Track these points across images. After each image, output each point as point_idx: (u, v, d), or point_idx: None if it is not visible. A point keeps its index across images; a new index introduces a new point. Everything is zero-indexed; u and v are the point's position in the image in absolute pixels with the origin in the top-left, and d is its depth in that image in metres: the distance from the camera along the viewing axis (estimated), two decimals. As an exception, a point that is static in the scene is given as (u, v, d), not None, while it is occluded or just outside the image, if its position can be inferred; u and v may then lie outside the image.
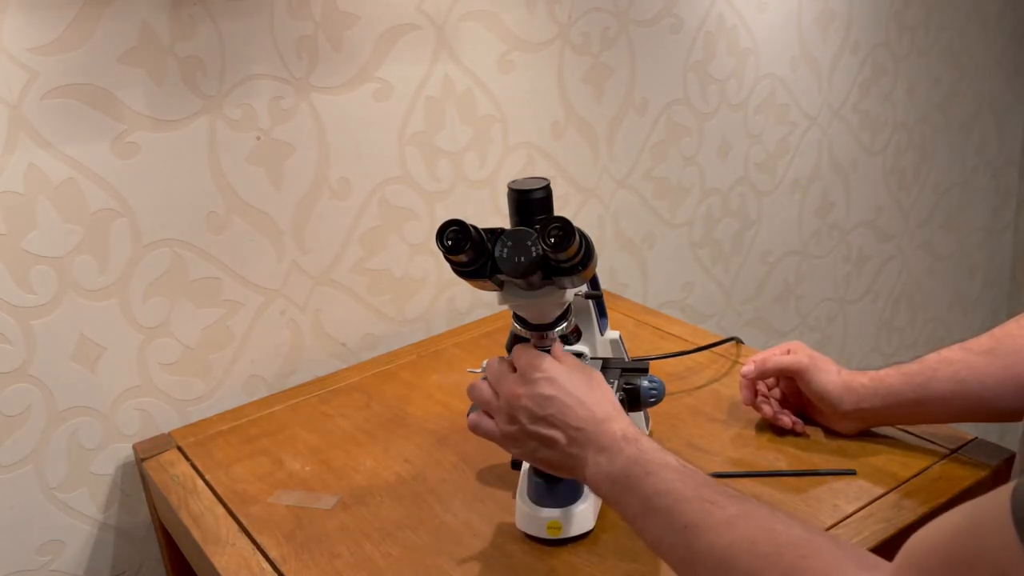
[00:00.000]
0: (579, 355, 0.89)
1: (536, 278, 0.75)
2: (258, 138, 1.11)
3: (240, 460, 1.03)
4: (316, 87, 1.14)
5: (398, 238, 1.26)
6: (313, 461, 1.01)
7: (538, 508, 0.83)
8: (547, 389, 0.74)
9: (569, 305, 0.82)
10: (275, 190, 1.14)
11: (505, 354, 0.86)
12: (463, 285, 1.34)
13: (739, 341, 1.17)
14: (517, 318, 0.82)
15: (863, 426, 0.94)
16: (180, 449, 1.07)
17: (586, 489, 0.84)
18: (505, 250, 0.74)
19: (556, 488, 0.83)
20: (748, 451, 0.95)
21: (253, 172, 1.12)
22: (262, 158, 1.12)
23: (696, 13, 1.48)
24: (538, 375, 0.75)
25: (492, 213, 1.34)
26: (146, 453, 1.06)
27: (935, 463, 0.90)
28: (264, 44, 1.08)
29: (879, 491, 0.87)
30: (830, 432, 0.95)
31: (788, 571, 0.55)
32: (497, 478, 0.95)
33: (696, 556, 0.60)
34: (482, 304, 1.37)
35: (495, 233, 0.75)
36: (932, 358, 0.89)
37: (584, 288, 0.84)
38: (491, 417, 0.79)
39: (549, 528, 0.82)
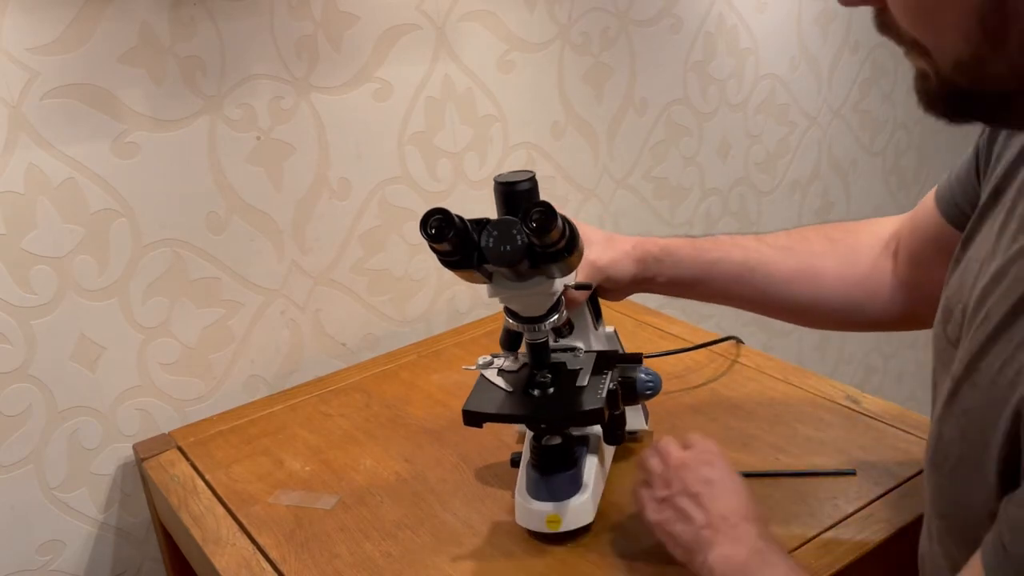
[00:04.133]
0: (572, 349, 0.89)
1: (524, 267, 0.75)
2: (258, 138, 1.11)
3: (240, 460, 1.03)
4: (316, 87, 1.14)
5: (398, 238, 1.26)
6: (313, 461, 1.01)
7: (537, 503, 0.82)
8: (710, 472, 0.75)
9: (560, 298, 0.82)
10: (275, 190, 1.14)
11: (499, 350, 0.87)
12: (463, 285, 1.34)
13: (738, 340, 1.17)
14: (509, 312, 0.82)
15: (640, 290, 0.94)
16: (180, 449, 1.07)
17: (584, 482, 0.83)
18: (491, 240, 0.74)
19: (554, 482, 0.83)
20: (748, 451, 0.95)
21: (253, 172, 1.12)
22: (262, 158, 1.12)
23: (696, 13, 1.48)
24: (707, 458, 0.77)
25: (492, 213, 1.34)
26: (146, 453, 1.06)
27: (935, 463, 0.90)
28: (264, 44, 1.08)
29: (879, 491, 0.87)
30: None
31: None
32: (497, 478, 0.95)
33: None
34: (482, 304, 1.37)
35: (480, 224, 0.75)
36: (726, 239, 0.92)
37: (574, 279, 0.84)
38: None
39: (548, 522, 0.82)
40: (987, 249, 0.64)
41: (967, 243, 0.68)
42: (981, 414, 0.58)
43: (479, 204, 1.32)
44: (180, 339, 1.11)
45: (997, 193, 0.66)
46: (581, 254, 0.78)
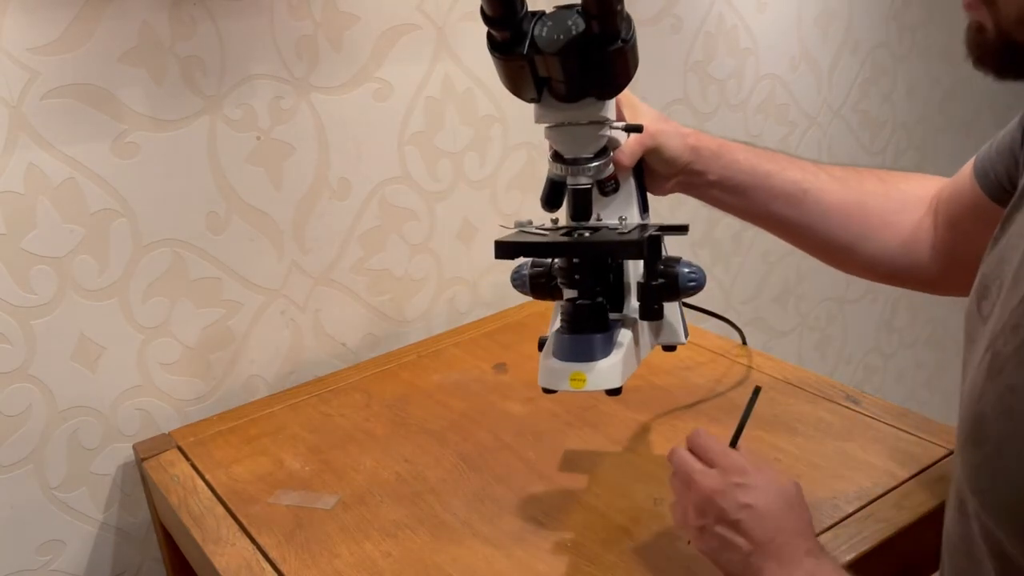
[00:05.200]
0: (622, 219, 0.83)
1: (573, 68, 0.71)
2: (258, 138, 1.11)
3: (240, 460, 1.03)
4: (316, 87, 1.14)
5: (398, 238, 1.26)
6: (313, 461, 1.01)
7: (563, 363, 0.77)
8: (745, 497, 0.70)
9: (607, 145, 0.78)
10: (275, 190, 1.14)
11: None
12: (463, 285, 1.34)
13: (744, 341, 1.17)
14: (553, 156, 0.79)
15: (686, 187, 0.89)
16: (180, 449, 1.07)
17: (615, 348, 0.77)
18: (545, 29, 0.71)
19: (583, 343, 0.77)
20: (747, 450, 0.95)
21: (253, 172, 1.12)
22: (262, 158, 1.12)
23: (696, 13, 1.48)
24: (739, 479, 0.71)
25: (492, 213, 1.34)
26: (146, 453, 1.06)
27: (935, 463, 0.90)
28: (264, 44, 1.08)
29: (879, 491, 0.87)
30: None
31: None
32: (497, 478, 0.95)
33: None
34: (482, 304, 1.37)
35: (536, 15, 0.72)
36: (784, 157, 0.88)
37: (620, 122, 0.80)
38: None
39: (572, 380, 0.76)
40: None
41: (1007, 222, 0.67)
42: None
43: (479, 204, 1.32)
44: (180, 339, 1.11)
45: None
46: (636, 64, 0.75)
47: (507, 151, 1.33)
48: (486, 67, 1.27)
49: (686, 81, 1.50)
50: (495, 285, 1.37)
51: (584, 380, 0.76)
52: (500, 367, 1.18)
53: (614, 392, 0.77)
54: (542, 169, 1.37)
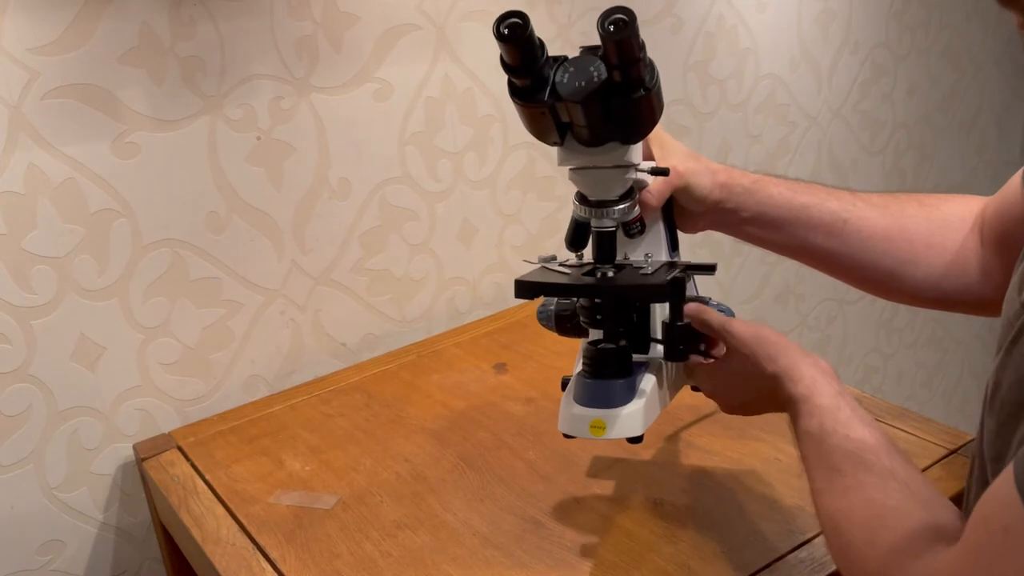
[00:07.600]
0: (647, 256, 0.82)
1: (596, 115, 0.70)
2: (258, 138, 1.11)
3: (240, 460, 1.03)
4: (316, 87, 1.14)
5: (398, 238, 1.26)
6: (313, 461, 1.01)
7: (583, 408, 0.75)
8: (735, 397, 0.82)
9: (632, 187, 0.77)
10: (275, 190, 1.14)
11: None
12: (463, 285, 1.34)
13: None
14: (578, 197, 0.77)
15: (718, 224, 0.88)
16: (180, 449, 1.07)
17: (639, 391, 0.76)
18: (566, 76, 0.69)
19: (604, 388, 0.76)
20: (750, 449, 0.95)
21: (253, 172, 1.12)
22: (262, 158, 1.12)
23: (696, 13, 1.48)
24: (726, 380, 0.81)
25: (492, 213, 1.34)
26: (146, 453, 1.06)
27: (935, 463, 0.90)
28: (264, 44, 1.08)
29: (879, 491, 0.86)
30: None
31: (870, 540, 0.62)
32: (497, 478, 0.95)
33: (820, 514, 0.68)
34: (482, 304, 1.37)
35: (558, 59, 0.71)
36: (820, 187, 0.87)
37: (645, 163, 0.79)
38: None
39: (592, 428, 0.75)
40: None
41: None
42: None
43: (479, 204, 1.32)
44: (180, 339, 1.11)
45: None
46: (662, 108, 0.73)
47: (507, 151, 1.33)
48: (486, 67, 1.27)
49: (686, 81, 1.50)
50: (495, 285, 1.37)
51: (604, 428, 0.75)
52: (500, 367, 1.18)
53: (635, 440, 0.76)
54: (542, 169, 1.38)
